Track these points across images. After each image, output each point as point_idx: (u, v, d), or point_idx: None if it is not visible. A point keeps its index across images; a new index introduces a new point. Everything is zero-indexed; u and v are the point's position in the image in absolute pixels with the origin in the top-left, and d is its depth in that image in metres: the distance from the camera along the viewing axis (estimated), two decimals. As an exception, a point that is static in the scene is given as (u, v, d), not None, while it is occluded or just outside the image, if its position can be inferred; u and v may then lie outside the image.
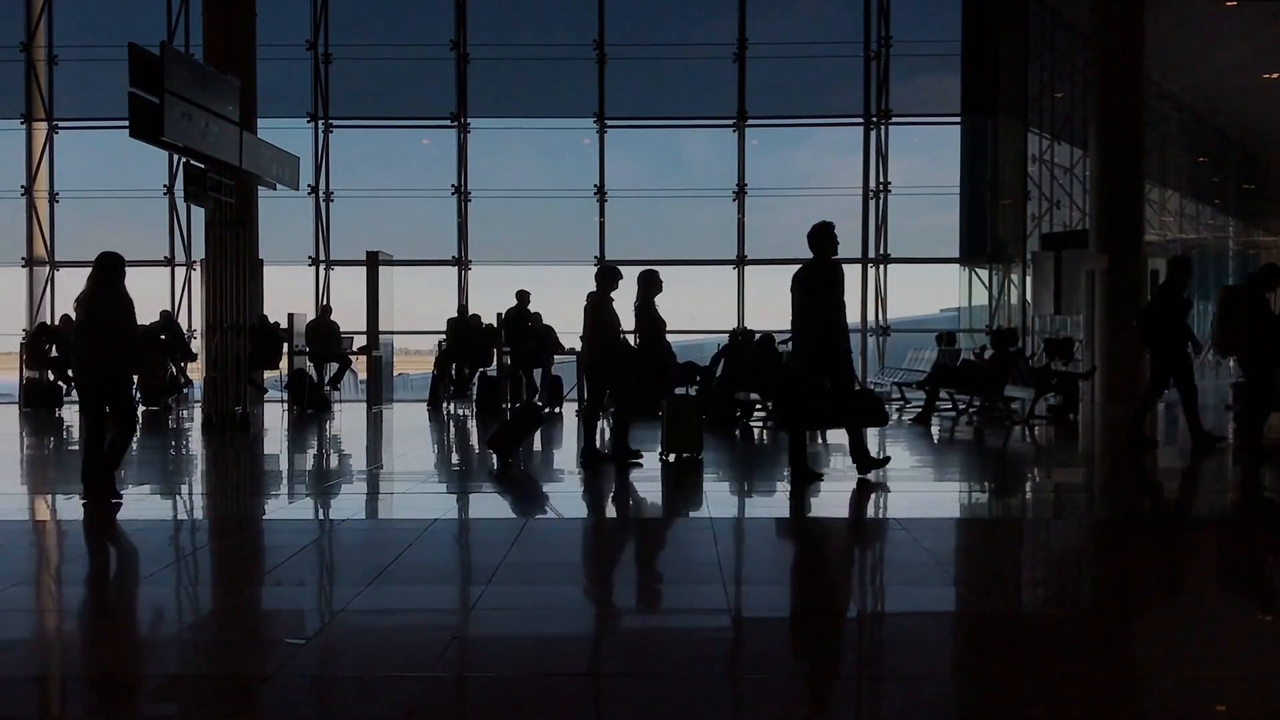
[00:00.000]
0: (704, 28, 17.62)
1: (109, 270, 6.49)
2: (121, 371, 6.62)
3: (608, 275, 8.60)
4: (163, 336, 14.94)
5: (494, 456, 8.41)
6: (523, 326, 14.02)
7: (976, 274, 18.35)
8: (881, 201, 17.17)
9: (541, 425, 9.65)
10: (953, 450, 10.49)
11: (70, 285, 17.39)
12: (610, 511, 7.17)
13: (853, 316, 17.39)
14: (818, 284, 6.99)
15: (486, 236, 17.42)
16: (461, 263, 17.17)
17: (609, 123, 17.02)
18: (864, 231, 17.22)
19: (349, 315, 15.70)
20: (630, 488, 7.69)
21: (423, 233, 17.80)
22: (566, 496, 7.70)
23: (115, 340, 6.48)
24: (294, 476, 8.99)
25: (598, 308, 8.48)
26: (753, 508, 7.34)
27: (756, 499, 7.66)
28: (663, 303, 8.82)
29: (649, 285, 8.59)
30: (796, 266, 7.25)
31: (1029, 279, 16.99)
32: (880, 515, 6.87)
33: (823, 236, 7.07)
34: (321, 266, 17.20)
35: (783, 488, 7.48)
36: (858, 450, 7.38)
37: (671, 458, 8.71)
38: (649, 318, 8.60)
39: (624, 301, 8.60)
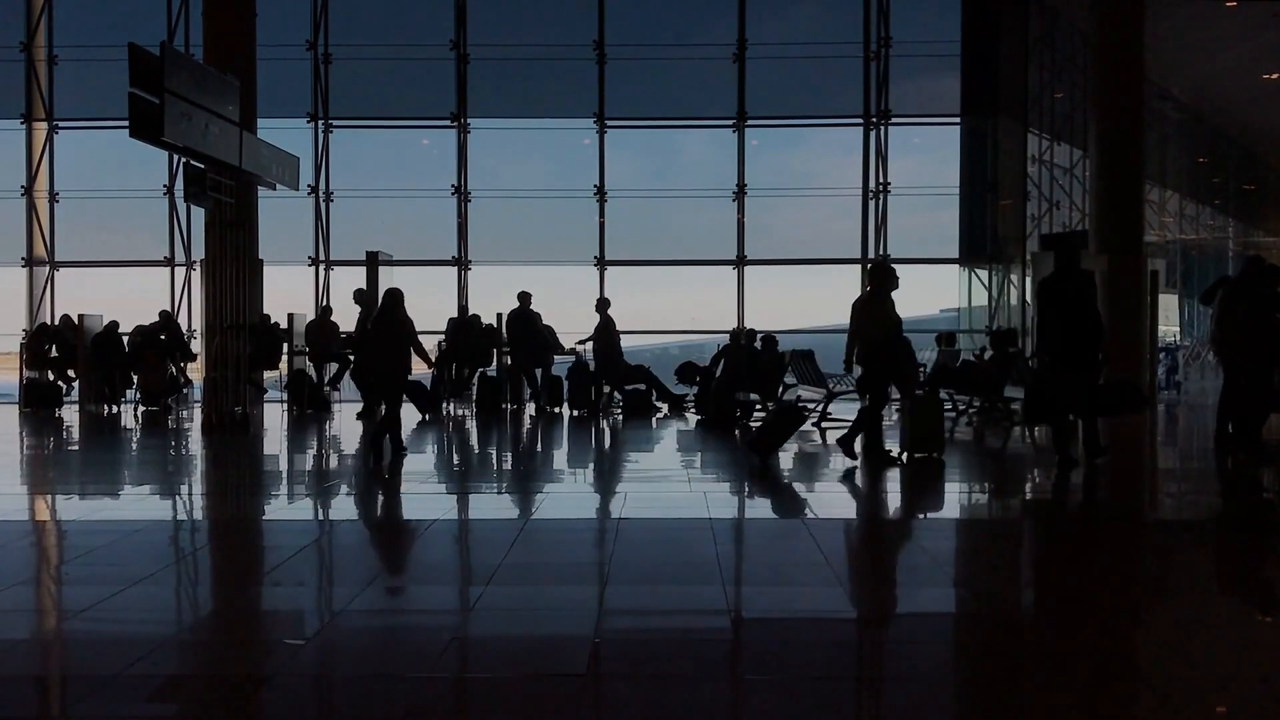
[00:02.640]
0: (704, 28, 17.62)
1: (394, 301, 9.02)
2: (400, 370, 9.08)
3: (885, 274, 8.57)
4: (162, 336, 14.95)
5: (755, 457, 8.38)
6: (525, 327, 14.04)
7: (976, 274, 18.35)
8: (881, 202, 17.16)
9: (802, 425, 9.43)
10: (952, 450, 10.48)
11: (71, 285, 17.44)
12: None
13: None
14: (1081, 290, 7.86)
15: (486, 236, 17.43)
16: (461, 263, 17.17)
17: (609, 123, 17.02)
18: (864, 232, 17.22)
19: (349, 315, 15.69)
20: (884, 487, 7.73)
21: (423, 233, 17.82)
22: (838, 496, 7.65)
23: (395, 349, 8.92)
24: (293, 477, 8.99)
25: (872, 306, 8.40)
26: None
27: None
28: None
29: (886, 279, 8.52)
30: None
31: (1029, 279, 16.99)
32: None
33: (1071, 250, 8.15)
34: (321, 266, 17.20)
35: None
36: (1090, 438, 8.19)
37: (906, 456, 8.64)
38: (885, 313, 8.51)
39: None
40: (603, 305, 14.04)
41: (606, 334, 13.85)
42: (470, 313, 15.56)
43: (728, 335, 14.55)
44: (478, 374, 14.85)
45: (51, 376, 15.22)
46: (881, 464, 8.31)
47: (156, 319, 15.22)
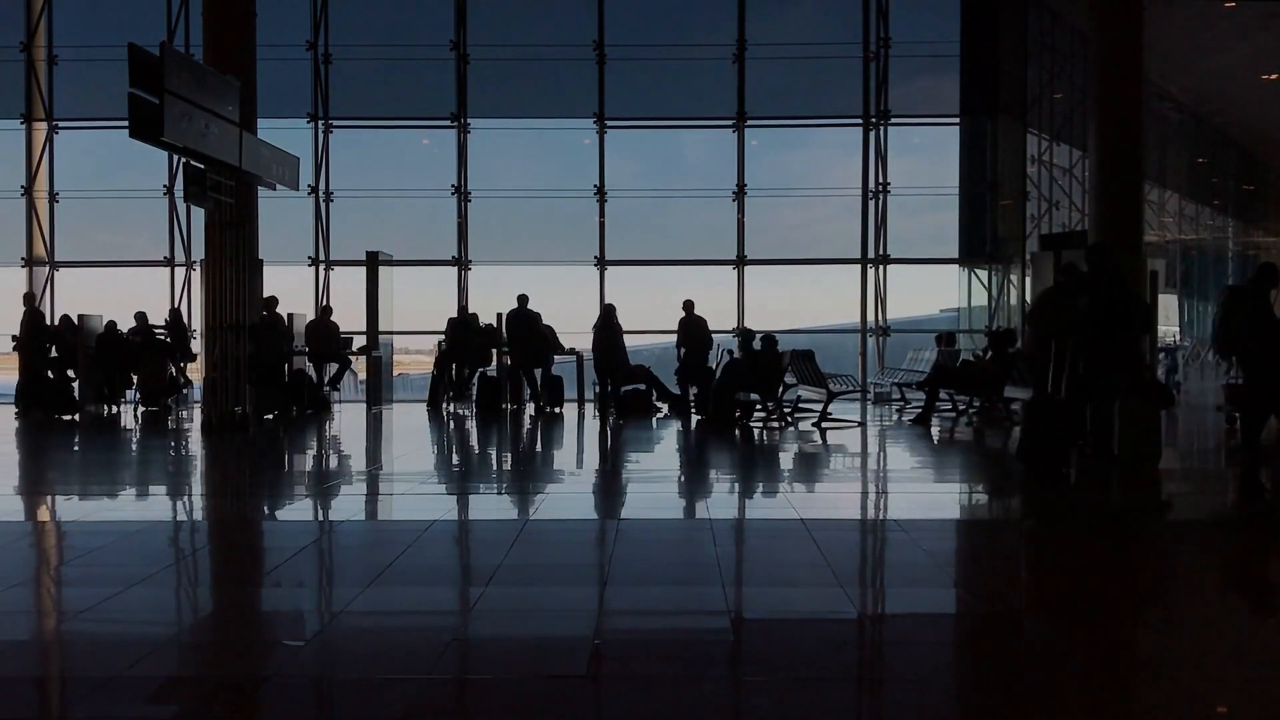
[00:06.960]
0: (704, 28, 17.62)
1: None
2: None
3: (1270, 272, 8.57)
4: (166, 338, 14.96)
5: (1025, 466, 8.12)
6: (525, 327, 14.05)
7: (976, 274, 18.35)
8: (881, 202, 17.17)
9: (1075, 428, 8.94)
10: (952, 451, 10.48)
11: (70, 285, 17.43)
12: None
13: (852, 316, 17.49)
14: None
15: (486, 236, 17.43)
16: (461, 263, 17.17)
17: (609, 123, 17.02)
18: (863, 232, 17.23)
19: (349, 315, 15.71)
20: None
21: (423, 233, 17.81)
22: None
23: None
24: (293, 477, 8.99)
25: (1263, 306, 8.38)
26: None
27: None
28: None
29: (1268, 277, 8.51)
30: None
31: (1028, 279, 16.99)
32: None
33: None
34: (321, 266, 17.20)
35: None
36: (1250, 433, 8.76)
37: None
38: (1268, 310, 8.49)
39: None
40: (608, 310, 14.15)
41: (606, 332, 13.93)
42: (470, 312, 15.58)
43: (728, 335, 14.57)
44: (478, 374, 14.86)
45: (51, 376, 15.19)
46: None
47: (156, 319, 15.26)
